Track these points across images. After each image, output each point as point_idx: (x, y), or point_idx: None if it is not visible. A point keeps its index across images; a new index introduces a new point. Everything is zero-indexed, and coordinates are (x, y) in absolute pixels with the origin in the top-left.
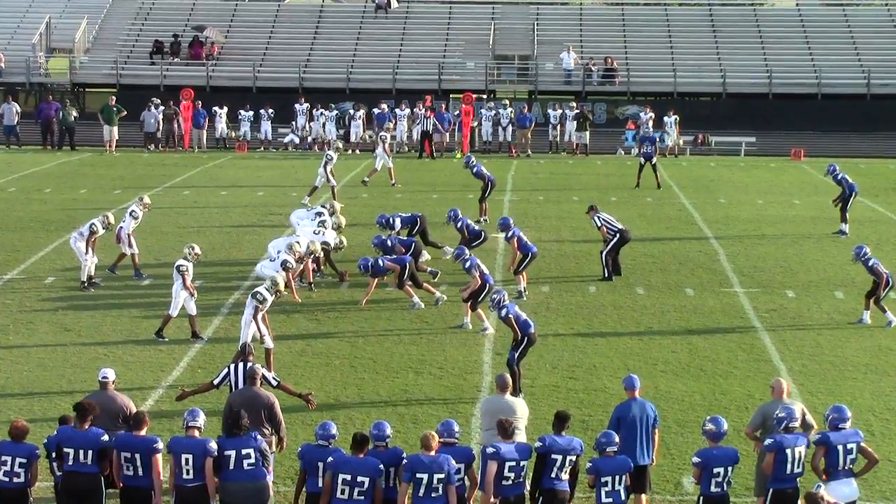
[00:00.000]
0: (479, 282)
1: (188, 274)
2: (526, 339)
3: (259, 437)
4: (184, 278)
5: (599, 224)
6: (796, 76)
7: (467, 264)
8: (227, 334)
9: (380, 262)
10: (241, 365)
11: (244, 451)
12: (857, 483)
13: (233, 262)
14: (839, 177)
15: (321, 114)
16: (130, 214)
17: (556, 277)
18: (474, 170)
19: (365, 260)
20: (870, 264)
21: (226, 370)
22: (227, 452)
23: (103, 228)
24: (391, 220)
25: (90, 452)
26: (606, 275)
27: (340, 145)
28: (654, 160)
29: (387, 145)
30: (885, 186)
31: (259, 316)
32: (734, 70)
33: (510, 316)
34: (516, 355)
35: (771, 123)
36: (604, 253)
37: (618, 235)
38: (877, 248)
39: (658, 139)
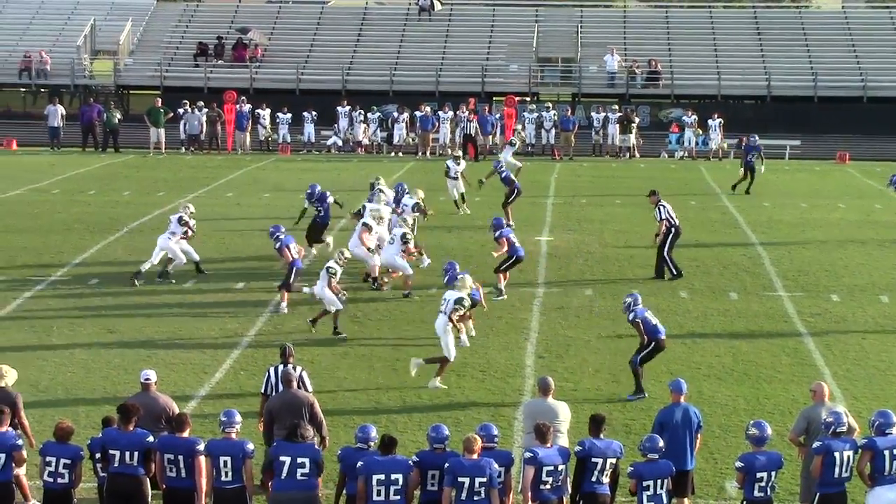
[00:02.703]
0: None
1: (336, 277)
2: (653, 343)
3: (319, 447)
4: (330, 280)
5: (663, 216)
6: (842, 79)
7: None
8: (269, 338)
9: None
10: (280, 368)
11: (300, 460)
12: None
13: (275, 265)
14: None
15: (365, 116)
16: (179, 221)
17: (599, 280)
18: (503, 174)
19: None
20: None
21: (266, 375)
22: (282, 458)
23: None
24: None
25: (136, 454)
26: (675, 272)
27: (461, 153)
28: (758, 169)
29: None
30: None
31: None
32: (779, 73)
33: (638, 320)
34: (639, 358)
35: (816, 127)
36: (666, 252)
37: (674, 230)
38: None
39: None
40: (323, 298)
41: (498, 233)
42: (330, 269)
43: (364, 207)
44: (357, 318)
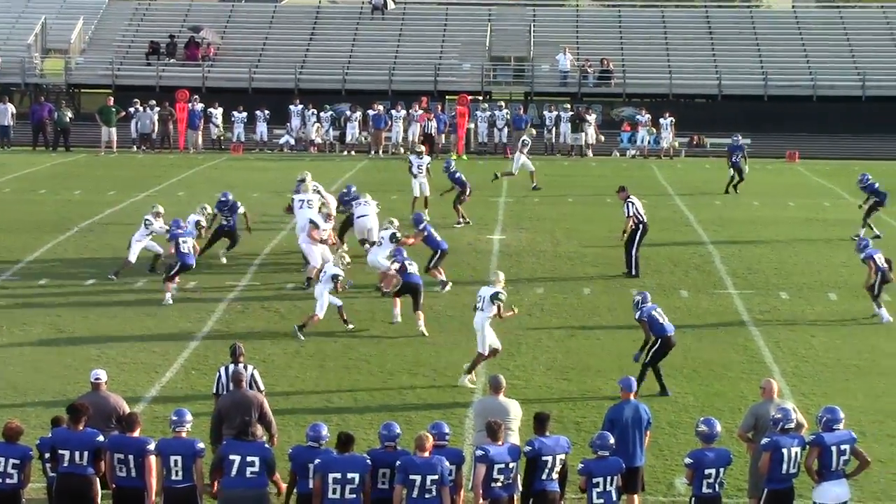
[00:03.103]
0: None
1: (339, 282)
2: (660, 341)
3: (268, 446)
4: (336, 284)
5: (631, 212)
6: (792, 78)
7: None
8: (220, 337)
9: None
10: (231, 367)
11: (249, 459)
12: (848, 484)
13: (228, 264)
14: (873, 186)
15: (314, 114)
16: (144, 224)
17: (550, 278)
18: (455, 175)
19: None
20: (863, 256)
21: (217, 375)
22: (231, 457)
23: (155, 219)
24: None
25: (86, 453)
26: (635, 272)
27: (423, 148)
28: (744, 168)
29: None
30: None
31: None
32: (730, 72)
33: (644, 318)
34: (641, 355)
35: (766, 125)
36: (634, 249)
37: (642, 227)
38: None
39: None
40: (319, 301)
41: (420, 226)
42: (336, 277)
43: (294, 200)
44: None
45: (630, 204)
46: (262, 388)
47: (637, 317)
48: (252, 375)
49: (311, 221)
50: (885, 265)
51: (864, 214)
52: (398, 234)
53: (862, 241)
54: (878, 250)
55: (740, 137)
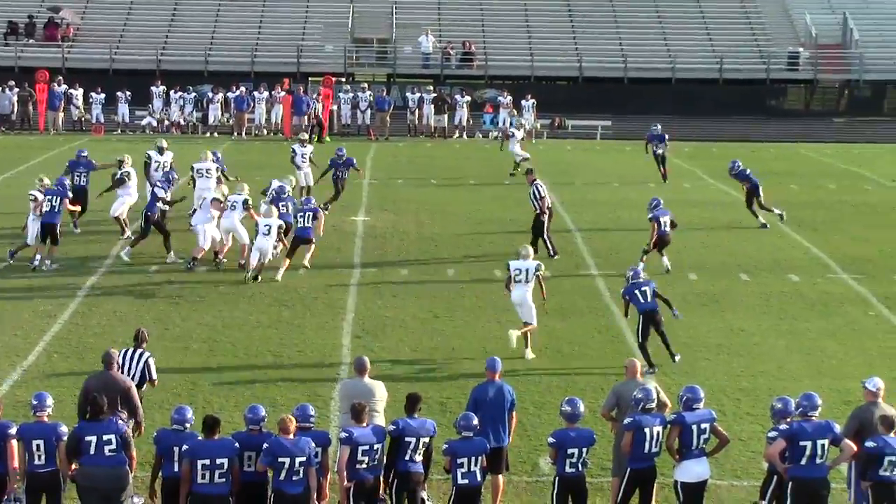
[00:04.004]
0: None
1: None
2: (640, 317)
3: (121, 421)
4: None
5: (542, 194)
6: (651, 61)
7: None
8: (83, 320)
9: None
10: (128, 351)
11: (105, 437)
12: (709, 462)
13: (91, 247)
14: (745, 173)
15: (180, 97)
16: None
17: (415, 260)
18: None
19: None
20: (650, 216)
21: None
22: (87, 438)
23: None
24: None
25: None
26: (552, 252)
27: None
28: (665, 158)
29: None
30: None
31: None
32: (590, 54)
33: (625, 296)
34: (639, 335)
35: (626, 107)
36: (545, 233)
37: (548, 210)
38: (728, 230)
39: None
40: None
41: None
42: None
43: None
44: (174, 299)
45: (539, 187)
46: (154, 377)
47: (621, 291)
48: (147, 363)
49: (215, 199)
50: (668, 228)
51: (746, 204)
52: (250, 200)
53: (653, 201)
54: (667, 211)
55: (660, 127)
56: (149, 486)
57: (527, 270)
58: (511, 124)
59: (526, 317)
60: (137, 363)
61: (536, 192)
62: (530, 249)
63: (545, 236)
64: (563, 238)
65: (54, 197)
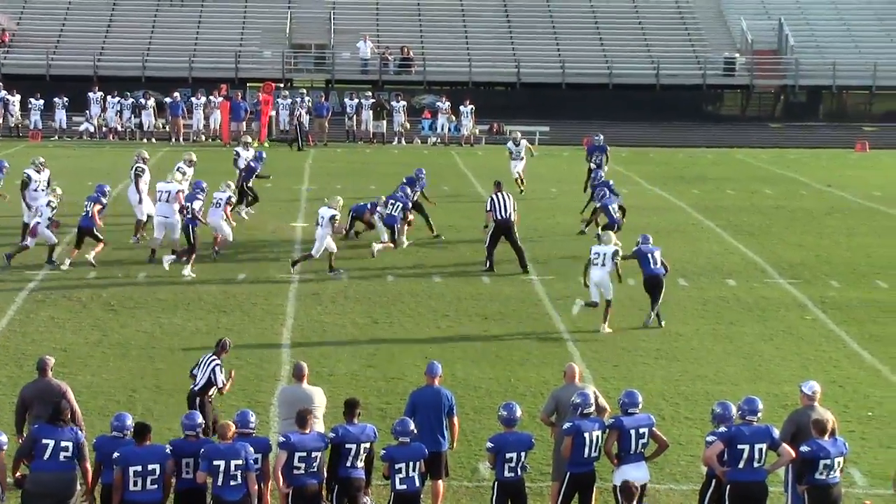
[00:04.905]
0: None
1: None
2: (645, 281)
3: (80, 432)
4: (333, 227)
5: (490, 207)
6: (588, 66)
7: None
8: (21, 325)
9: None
10: (206, 357)
11: (63, 444)
12: (647, 466)
13: (33, 254)
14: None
15: (118, 102)
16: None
17: (354, 266)
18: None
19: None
20: (598, 204)
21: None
22: (45, 441)
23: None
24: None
25: None
26: (489, 265)
27: (250, 139)
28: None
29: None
30: (674, 175)
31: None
32: (528, 60)
33: (637, 256)
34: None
35: (563, 113)
36: (486, 244)
37: (496, 223)
38: (666, 235)
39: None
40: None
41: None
42: (333, 218)
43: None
44: (112, 306)
45: (496, 196)
46: (219, 384)
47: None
48: (213, 369)
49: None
50: (619, 215)
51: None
52: (233, 197)
53: (602, 190)
54: (614, 199)
55: (602, 137)
56: (87, 492)
57: (604, 255)
58: (516, 143)
59: (606, 295)
60: (205, 368)
61: (487, 205)
62: (612, 235)
63: (486, 246)
64: (503, 244)
65: (89, 203)
